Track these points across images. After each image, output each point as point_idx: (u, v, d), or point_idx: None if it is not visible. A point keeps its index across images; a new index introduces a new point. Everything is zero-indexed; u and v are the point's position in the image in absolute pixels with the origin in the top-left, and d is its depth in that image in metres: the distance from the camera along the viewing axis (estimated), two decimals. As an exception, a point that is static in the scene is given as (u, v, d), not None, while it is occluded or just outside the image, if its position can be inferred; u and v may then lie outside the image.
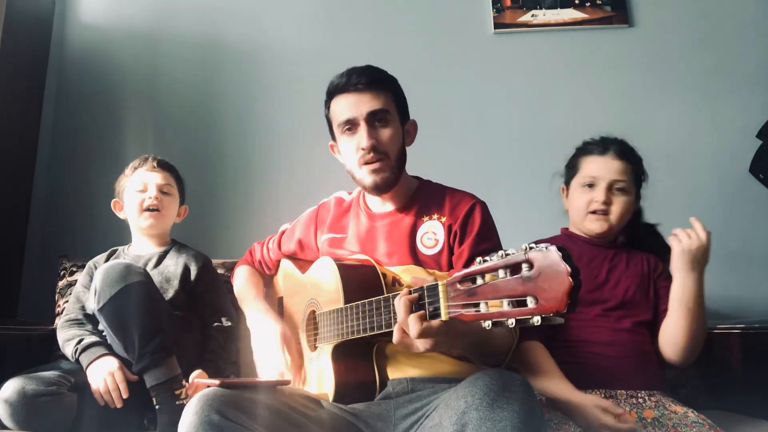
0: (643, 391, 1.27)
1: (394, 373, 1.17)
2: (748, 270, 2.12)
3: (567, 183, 1.50)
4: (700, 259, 1.27)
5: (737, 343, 1.59)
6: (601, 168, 1.39)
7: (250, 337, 1.42)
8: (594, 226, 1.39)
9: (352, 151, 1.25)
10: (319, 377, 1.22)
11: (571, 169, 1.48)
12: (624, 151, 1.42)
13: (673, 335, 1.30)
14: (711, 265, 2.09)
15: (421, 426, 1.06)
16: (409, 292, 0.96)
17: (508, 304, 0.76)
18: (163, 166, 1.66)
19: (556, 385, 1.21)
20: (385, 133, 1.24)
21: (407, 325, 0.93)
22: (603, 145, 1.43)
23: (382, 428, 1.10)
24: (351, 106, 1.24)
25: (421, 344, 0.95)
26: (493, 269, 0.79)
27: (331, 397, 1.14)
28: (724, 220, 2.15)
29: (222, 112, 2.24)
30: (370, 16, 2.31)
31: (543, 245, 0.73)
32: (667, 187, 2.18)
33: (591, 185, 1.40)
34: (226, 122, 2.23)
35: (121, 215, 1.68)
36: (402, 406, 1.12)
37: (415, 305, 0.94)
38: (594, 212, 1.39)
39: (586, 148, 1.46)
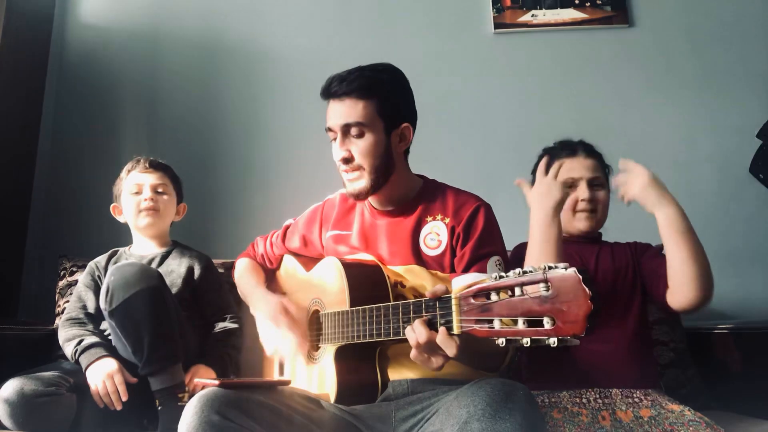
0: (638, 390, 1.27)
1: (394, 374, 1.17)
2: (748, 270, 2.12)
3: None
4: (660, 187, 1.26)
5: (737, 343, 1.59)
6: (577, 168, 1.42)
7: (251, 337, 1.42)
8: (582, 224, 1.41)
9: (334, 157, 1.27)
10: (321, 377, 1.21)
11: None
12: (590, 149, 1.46)
13: (680, 268, 1.24)
14: (711, 264, 2.10)
15: (422, 429, 1.06)
16: (420, 304, 0.95)
17: (524, 323, 0.75)
18: (156, 166, 1.66)
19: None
20: (360, 144, 1.23)
21: (429, 345, 0.92)
22: (570, 148, 1.46)
23: (382, 429, 1.10)
24: (331, 114, 1.25)
25: (440, 360, 0.95)
26: (509, 286, 0.78)
27: (332, 398, 1.14)
28: (724, 220, 2.16)
29: (222, 112, 2.24)
30: (370, 16, 2.31)
31: (562, 266, 0.72)
32: (668, 187, 2.19)
33: (570, 186, 1.42)
34: (226, 122, 2.23)
35: (120, 219, 1.69)
36: (402, 408, 1.12)
37: (427, 318, 0.94)
38: (581, 211, 1.41)
39: (554, 154, 1.47)
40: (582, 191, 1.40)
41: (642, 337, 1.35)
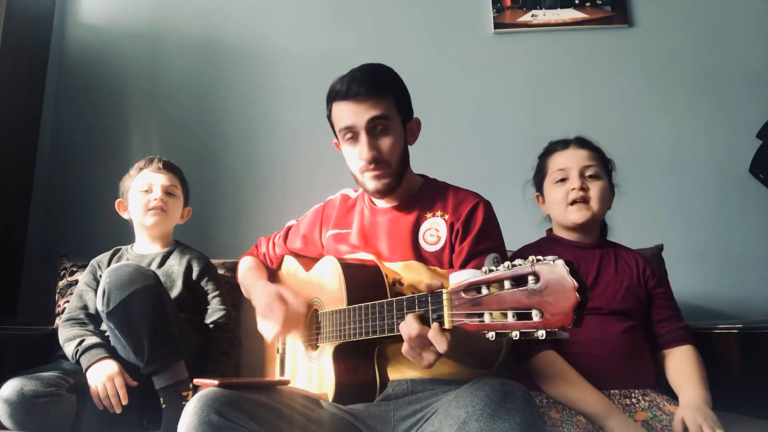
0: (636, 391, 1.27)
1: (394, 374, 1.17)
2: (748, 270, 2.12)
3: (539, 189, 1.50)
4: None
5: (737, 343, 1.59)
6: (569, 159, 1.41)
7: (251, 337, 1.42)
8: (576, 216, 1.37)
9: (354, 158, 1.26)
10: (320, 377, 1.22)
11: (540, 173, 1.49)
12: (585, 141, 1.44)
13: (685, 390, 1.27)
14: (711, 265, 2.12)
15: (421, 429, 1.06)
16: (413, 300, 0.95)
17: (513, 316, 0.75)
18: (169, 167, 1.68)
19: (585, 395, 1.20)
20: (386, 141, 1.24)
21: (421, 340, 0.91)
22: (564, 142, 1.46)
23: (382, 429, 1.10)
24: (351, 113, 1.23)
25: (431, 357, 0.94)
26: (499, 280, 0.78)
27: (331, 397, 1.14)
28: (724, 220, 2.16)
29: (223, 112, 2.24)
30: (370, 16, 2.32)
31: (550, 258, 0.72)
32: (668, 187, 2.19)
33: (563, 179, 1.40)
34: (227, 122, 2.23)
35: (125, 215, 1.69)
36: (401, 408, 1.12)
37: (419, 314, 0.93)
38: (574, 202, 1.38)
39: (549, 149, 1.48)
40: (573, 181, 1.38)
41: (639, 340, 1.34)
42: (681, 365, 1.31)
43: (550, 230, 1.51)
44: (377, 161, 1.23)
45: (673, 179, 2.19)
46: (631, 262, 1.41)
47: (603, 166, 1.42)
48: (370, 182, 1.26)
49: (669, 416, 1.20)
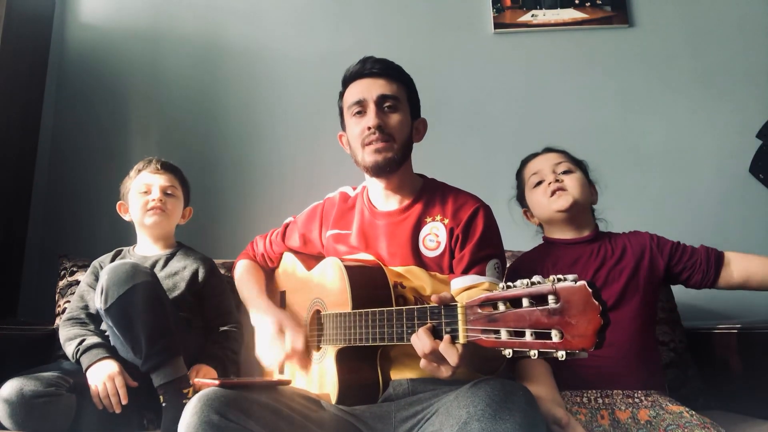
0: (639, 391, 1.27)
1: (394, 374, 1.17)
2: (748, 270, 2.11)
3: (524, 204, 1.54)
4: None
5: (737, 343, 1.59)
6: (540, 163, 1.47)
7: (252, 337, 1.41)
8: (558, 203, 1.40)
9: (357, 132, 1.27)
10: (322, 378, 1.21)
11: (519, 187, 1.54)
12: (552, 147, 1.51)
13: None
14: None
15: (421, 429, 1.05)
16: (425, 311, 0.94)
17: (531, 335, 0.74)
18: (167, 168, 1.67)
19: (538, 390, 1.16)
20: (393, 117, 1.27)
21: (436, 354, 0.91)
22: (533, 154, 1.52)
23: (383, 429, 1.10)
24: (363, 88, 1.28)
25: (449, 370, 0.93)
26: (517, 297, 0.77)
27: (334, 399, 1.14)
28: (724, 220, 2.15)
29: (223, 112, 2.24)
30: (370, 15, 2.32)
31: (571, 278, 0.72)
32: (667, 187, 2.19)
33: (540, 182, 1.45)
34: (226, 122, 2.23)
35: (126, 218, 1.69)
36: (403, 408, 1.12)
37: (432, 326, 0.93)
38: (553, 193, 1.41)
39: (521, 163, 1.54)
40: (547, 178, 1.43)
41: (647, 339, 1.34)
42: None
43: (544, 237, 1.52)
44: (381, 130, 1.25)
45: (673, 179, 2.19)
46: (627, 246, 1.42)
47: (574, 163, 1.47)
48: (370, 156, 1.26)
49: (672, 415, 1.20)
